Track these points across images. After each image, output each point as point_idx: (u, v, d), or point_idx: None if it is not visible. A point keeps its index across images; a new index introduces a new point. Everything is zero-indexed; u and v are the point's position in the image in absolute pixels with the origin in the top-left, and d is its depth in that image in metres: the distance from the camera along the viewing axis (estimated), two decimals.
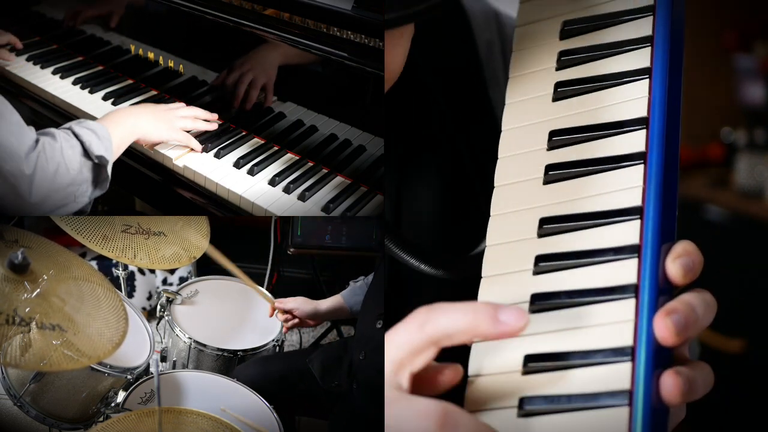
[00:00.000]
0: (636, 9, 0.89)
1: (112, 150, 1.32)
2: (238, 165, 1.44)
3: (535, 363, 0.74)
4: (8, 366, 1.46)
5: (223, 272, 2.09)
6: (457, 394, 0.75)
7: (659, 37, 0.86)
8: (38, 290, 1.27)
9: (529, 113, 0.89)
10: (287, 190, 1.38)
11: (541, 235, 0.81)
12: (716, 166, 2.87)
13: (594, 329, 0.74)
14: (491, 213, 0.85)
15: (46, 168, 1.23)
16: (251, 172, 1.42)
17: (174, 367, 1.77)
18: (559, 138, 0.85)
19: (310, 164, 1.45)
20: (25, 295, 1.26)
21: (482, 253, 0.83)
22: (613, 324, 0.73)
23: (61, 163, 1.25)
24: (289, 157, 1.47)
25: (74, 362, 1.22)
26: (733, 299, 2.80)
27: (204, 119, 1.50)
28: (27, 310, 1.23)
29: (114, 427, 1.38)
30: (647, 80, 0.85)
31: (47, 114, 1.67)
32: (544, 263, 0.79)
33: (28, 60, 1.77)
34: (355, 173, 1.41)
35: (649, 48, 0.87)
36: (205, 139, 1.49)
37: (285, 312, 1.79)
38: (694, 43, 2.87)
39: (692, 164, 2.91)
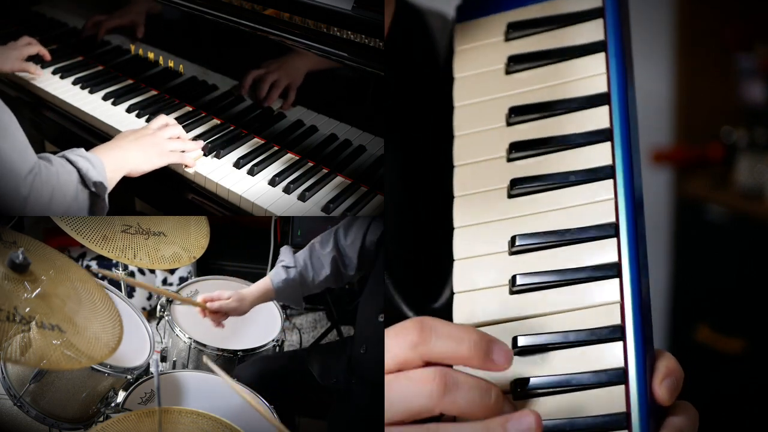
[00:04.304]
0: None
1: (106, 178, 1.29)
2: (238, 165, 1.44)
3: None
4: (8, 363, 1.46)
5: (223, 272, 2.09)
6: None
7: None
8: (38, 290, 1.27)
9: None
10: (287, 190, 1.38)
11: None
12: (716, 166, 2.87)
13: None
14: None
15: (41, 192, 1.20)
16: (251, 172, 1.42)
17: (174, 367, 1.77)
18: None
19: (311, 164, 1.45)
20: (26, 294, 1.26)
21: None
22: None
23: (57, 187, 1.22)
24: (289, 157, 1.47)
25: (74, 362, 1.22)
26: (733, 299, 2.80)
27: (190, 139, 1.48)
28: (27, 309, 1.23)
29: (114, 427, 1.37)
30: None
31: (47, 114, 1.66)
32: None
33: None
34: (355, 173, 1.41)
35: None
36: (205, 140, 1.49)
37: (213, 313, 1.73)
38: (694, 43, 2.88)
39: (692, 164, 2.91)
